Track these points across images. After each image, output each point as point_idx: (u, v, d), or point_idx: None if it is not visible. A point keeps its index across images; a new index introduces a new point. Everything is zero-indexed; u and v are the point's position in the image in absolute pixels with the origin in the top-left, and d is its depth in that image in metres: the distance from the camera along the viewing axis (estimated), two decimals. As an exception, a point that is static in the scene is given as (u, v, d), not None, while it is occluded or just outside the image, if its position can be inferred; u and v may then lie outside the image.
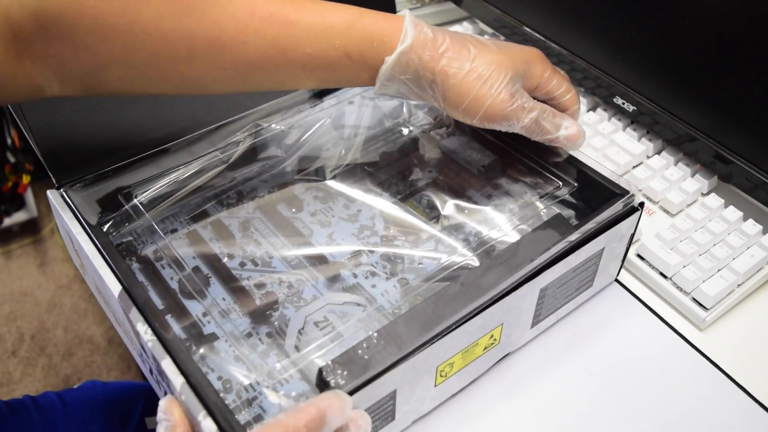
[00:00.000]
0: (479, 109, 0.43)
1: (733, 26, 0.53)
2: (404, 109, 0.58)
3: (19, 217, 1.40)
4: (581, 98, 0.68)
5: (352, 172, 0.53)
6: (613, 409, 0.45)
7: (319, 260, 0.47)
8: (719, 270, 0.52)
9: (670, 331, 0.50)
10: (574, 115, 0.48)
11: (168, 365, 0.36)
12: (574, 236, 0.43)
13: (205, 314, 0.43)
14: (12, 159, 1.31)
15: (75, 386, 0.62)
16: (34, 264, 1.41)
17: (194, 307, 0.43)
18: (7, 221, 1.39)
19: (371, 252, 0.47)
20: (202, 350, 0.41)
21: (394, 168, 0.54)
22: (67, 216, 0.45)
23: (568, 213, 0.49)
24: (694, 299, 0.51)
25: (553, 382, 0.47)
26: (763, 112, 0.53)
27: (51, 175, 0.48)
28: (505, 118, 0.44)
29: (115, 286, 0.40)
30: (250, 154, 0.53)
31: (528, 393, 0.46)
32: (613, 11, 0.62)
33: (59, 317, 1.31)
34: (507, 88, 0.43)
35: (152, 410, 0.58)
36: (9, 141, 1.30)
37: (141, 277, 0.45)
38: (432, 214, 0.50)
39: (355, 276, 0.46)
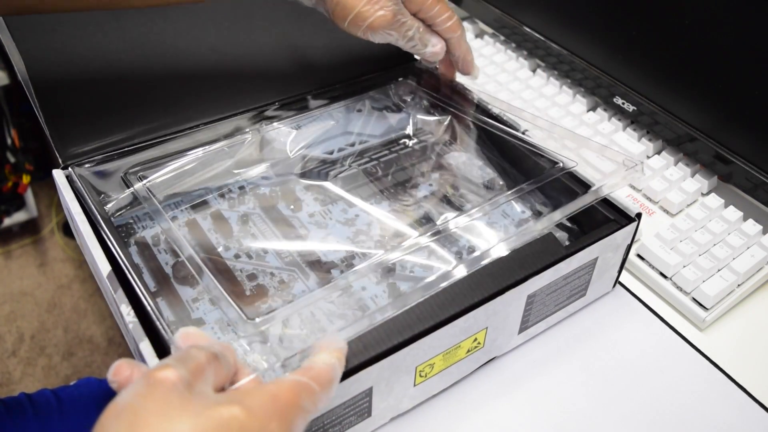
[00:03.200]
0: (362, 23, 0.48)
1: (733, 26, 0.53)
2: (410, 122, 0.59)
3: (19, 217, 1.40)
4: (581, 98, 0.68)
5: (354, 177, 0.54)
6: (612, 410, 0.45)
7: (312, 259, 0.47)
8: (719, 270, 0.52)
9: (670, 331, 0.50)
10: (458, 41, 0.52)
11: (146, 347, 0.35)
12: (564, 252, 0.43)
13: (195, 300, 0.44)
14: (12, 159, 1.31)
15: (71, 383, 0.62)
16: (34, 264, 1.41)
17: (186, 293, 0.44)
18: (7, 221, 1.39)
19: (364, 255, 0.48)
20: None
21: (395, 177, 0.54)
22: (68, 195, 0.45)
23: (562, 235, 0.50)
24: (694, 299, 0.51)
25: (550, 382, 0.46)
26: (763, 112, 0.53)
27: (56, 153, 0.48)
28: (385, 33, 0.49)
29: (105, 266, 0.40)
30: (256, 151, 0.53)
31: (522, 394, 0.46)
32: (613, 11, 0.62)
33: (59, 317, 1.31)
34: (389, 7, 0.47)
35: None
36: (9, 141, 1.30)
37: (137, 260, 0.45)
38: (428, 225, 0.50)
39: (346, 278, 0.46)
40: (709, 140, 0.57)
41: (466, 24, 0.80)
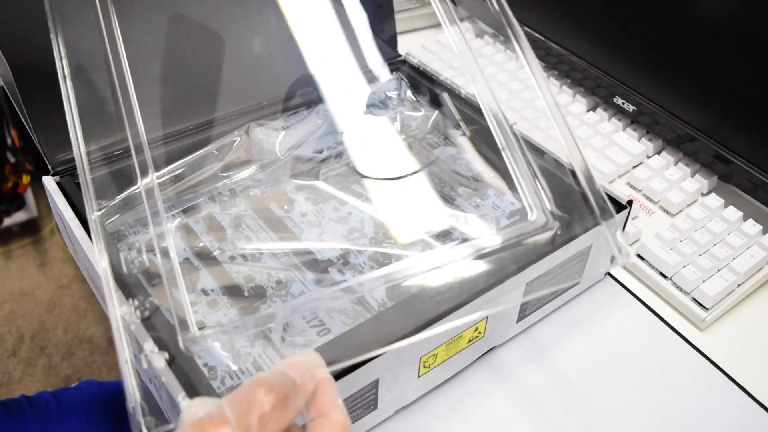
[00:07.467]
0: None
1: (732, 26, 0.53)
2: (397, 118, 0.59)
3: (19, 217, 1.40)
4: (581, 98, 0.68)
5: (345, 175, 0.54)
6: (611, 409, 0.45)
7: (308, 258, 0.48)
8: (719, 270, 0.52)
9: (670, 330, 0.50)
10: None
11: (150, 347, 0.35)
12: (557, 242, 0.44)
13: (193, 304, 0.44)
14: (12, 159, 1.31)
15: (71, 386, 0.62)
16: (34, 264, 1.41)
17: None
18: (7, 221, 1.39)
19: (360, 252, 0.48)
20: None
21: (385, 174, 0.54)
22: (60, 202, 0.45)
23: (554, 224, 0.50)
24: (694, 299, 0.51)
25: (548, 372, 0.47)
26: (763, 112, 0.53)
27: (46, 160, 0.48)
28: None
29: (103, 270, 0.40)
30: (245, 153, 0.54)
31: (521, 385, 0.46)
32: (612, 11, 0.62)
33: (59, 317, 1.31)
34: None
35: (148, 410, 0.58)
36: (9, 141, 1.30)
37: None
38: (420, 219, 0.50)
39: (343, 274, 0.46)
40: (709, 140, 0.57)
41: (466, 24, 0.80)
